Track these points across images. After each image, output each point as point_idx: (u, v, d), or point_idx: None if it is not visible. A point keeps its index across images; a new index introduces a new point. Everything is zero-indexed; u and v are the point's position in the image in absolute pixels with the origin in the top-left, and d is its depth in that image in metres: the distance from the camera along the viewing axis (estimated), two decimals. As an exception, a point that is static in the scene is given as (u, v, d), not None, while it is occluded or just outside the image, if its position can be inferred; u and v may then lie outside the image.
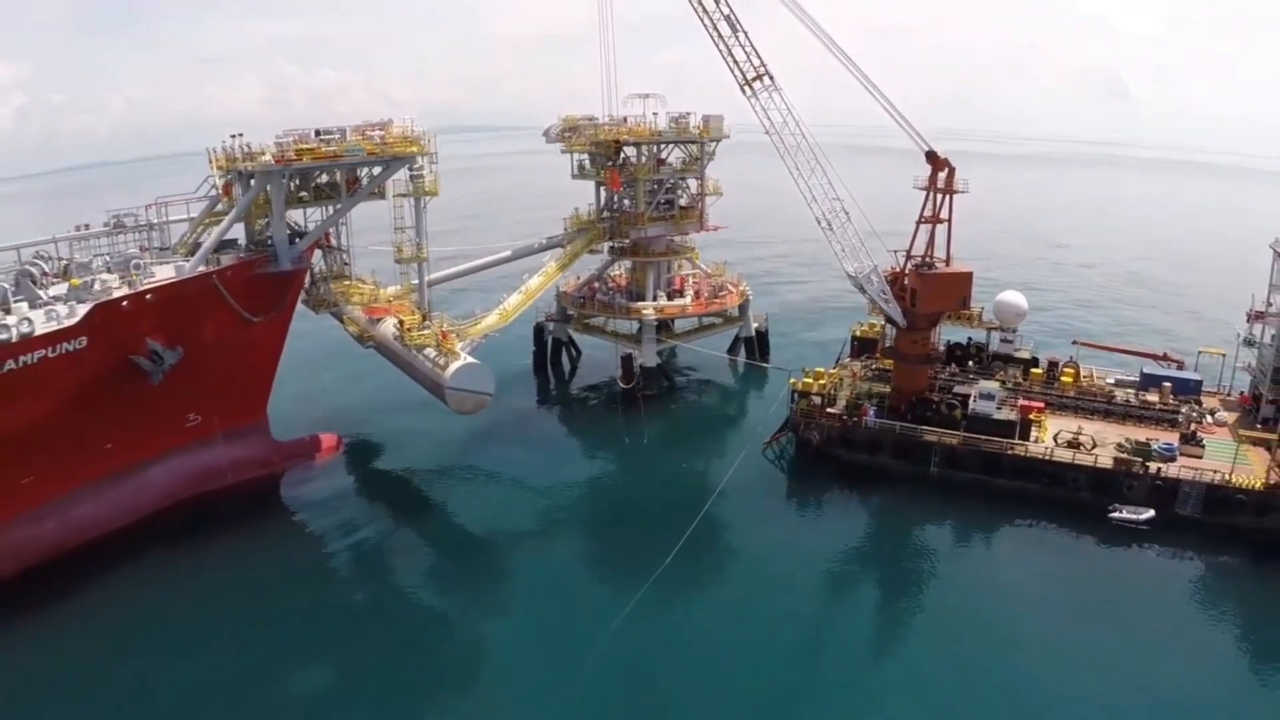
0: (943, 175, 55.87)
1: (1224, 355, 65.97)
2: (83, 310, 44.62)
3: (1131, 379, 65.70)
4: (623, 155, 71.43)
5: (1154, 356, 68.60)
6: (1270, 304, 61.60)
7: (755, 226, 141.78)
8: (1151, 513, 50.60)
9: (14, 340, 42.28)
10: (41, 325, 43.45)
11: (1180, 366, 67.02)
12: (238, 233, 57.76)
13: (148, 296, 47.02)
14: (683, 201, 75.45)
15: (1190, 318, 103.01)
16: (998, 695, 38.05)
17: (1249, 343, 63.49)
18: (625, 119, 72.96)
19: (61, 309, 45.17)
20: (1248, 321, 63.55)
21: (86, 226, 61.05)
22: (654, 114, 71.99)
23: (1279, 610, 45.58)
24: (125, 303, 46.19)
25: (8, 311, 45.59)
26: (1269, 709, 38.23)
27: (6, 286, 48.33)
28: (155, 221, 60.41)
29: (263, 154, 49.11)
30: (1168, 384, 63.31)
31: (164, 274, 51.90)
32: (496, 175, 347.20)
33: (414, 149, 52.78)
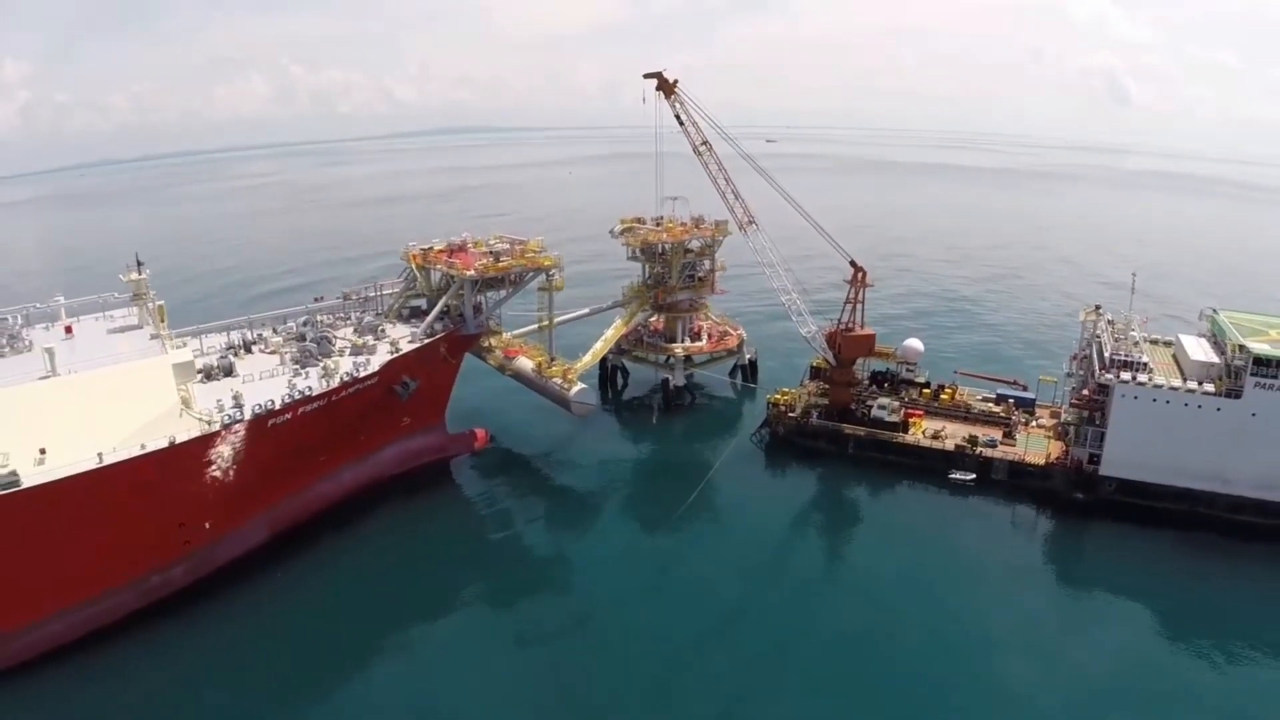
0: (860, 275, 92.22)
1: (1056, 381, 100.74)
2: (378, 362, 79.15)
3: (992, 397, 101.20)
4: (661, 247, 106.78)
5: (1007, 382, 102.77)
6: (1082, 350, 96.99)
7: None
8: (973, 475, 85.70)
9: (348, 380, 76.74)
10: (361, 370, 77.28)
11: (1025, 389, 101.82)
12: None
13: (410, 354, 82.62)
14: (700, 274, 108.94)
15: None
16: (885, 579, 70.57)
17: (1070, 375, 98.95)
18: (661, 218, 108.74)
19: (361, 360, 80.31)
20: (1070, 360, 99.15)
21: (322, 298, 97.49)
22: (683, 222, 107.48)
23: (1047, 534, 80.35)
24: (400, 357, 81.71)
25: (321, 360, 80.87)
26: (1034, 584, 71.08)
27: (316, 344, 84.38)
28: (371, 295, 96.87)
29: (466, 270, 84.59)
30: (1012, 400, 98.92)
31: (394, 333, 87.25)
32: (516, 197, 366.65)
33: (550, 263, 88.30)
